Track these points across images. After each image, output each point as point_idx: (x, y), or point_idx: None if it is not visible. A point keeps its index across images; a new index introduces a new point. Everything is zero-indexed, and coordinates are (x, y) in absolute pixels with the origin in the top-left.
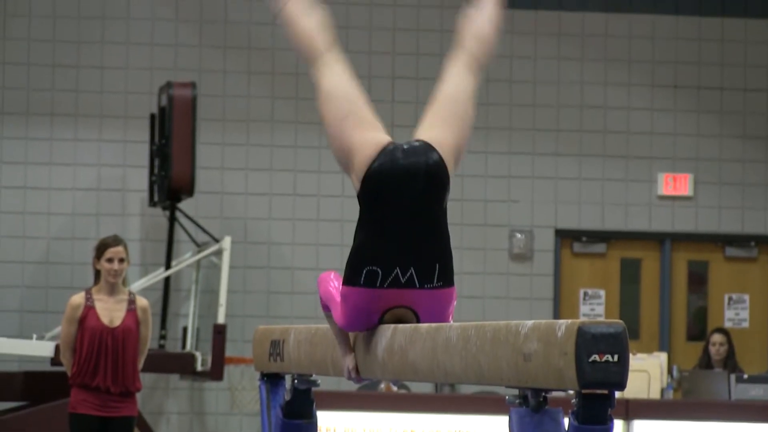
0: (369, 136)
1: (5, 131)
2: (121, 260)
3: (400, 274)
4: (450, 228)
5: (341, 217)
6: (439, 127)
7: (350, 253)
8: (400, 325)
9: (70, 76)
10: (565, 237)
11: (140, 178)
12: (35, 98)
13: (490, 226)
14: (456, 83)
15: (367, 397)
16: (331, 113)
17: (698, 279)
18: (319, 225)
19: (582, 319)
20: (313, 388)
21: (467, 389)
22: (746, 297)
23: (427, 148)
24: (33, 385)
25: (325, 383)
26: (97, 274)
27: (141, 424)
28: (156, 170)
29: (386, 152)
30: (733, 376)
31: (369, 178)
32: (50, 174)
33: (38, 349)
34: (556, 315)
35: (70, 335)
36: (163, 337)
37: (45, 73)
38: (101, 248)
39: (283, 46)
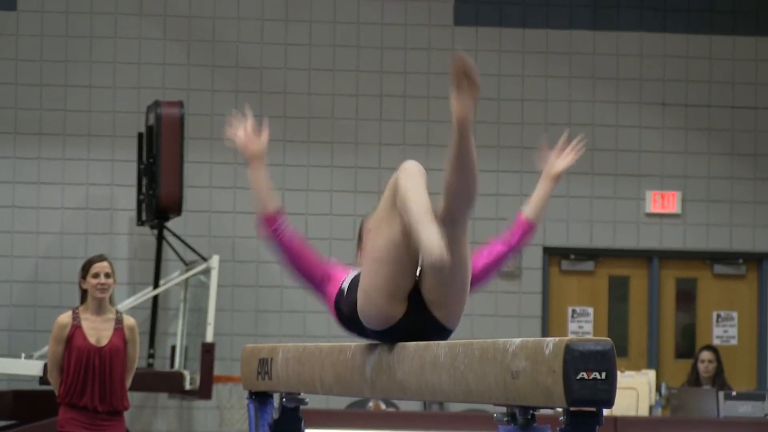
0: (387, 309)
1: None
2: (107, 275)
3: None
4: None
5: (330, 235)
6: (453, 303)
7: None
8: (388, 344)
9: (58, 95)
10: (553, 255)
11: (128, 197)
12: (23, 117)
13: (478, 244)
14: (460, 251)
15: (355, 415)
16: (378, 273)
17: (686, 296)
18: None
19: (570, 336)
20: (302, 407)
21: (456, 407)
22: (734, 314)
23: (439, 325)
24: (22, 404)
25: (313, 402)
26: (84, 294)
27: None
28: (144, 189)
29: (401, 323)
30: (721, 394)
31: (381, 335)
32: (38, 193)
33: (27, 368)
34: (545, 333)
35: (58, 354)
36: (151, 355)
37: (33, 92)
38: (86, 266)
39: (272, 66)
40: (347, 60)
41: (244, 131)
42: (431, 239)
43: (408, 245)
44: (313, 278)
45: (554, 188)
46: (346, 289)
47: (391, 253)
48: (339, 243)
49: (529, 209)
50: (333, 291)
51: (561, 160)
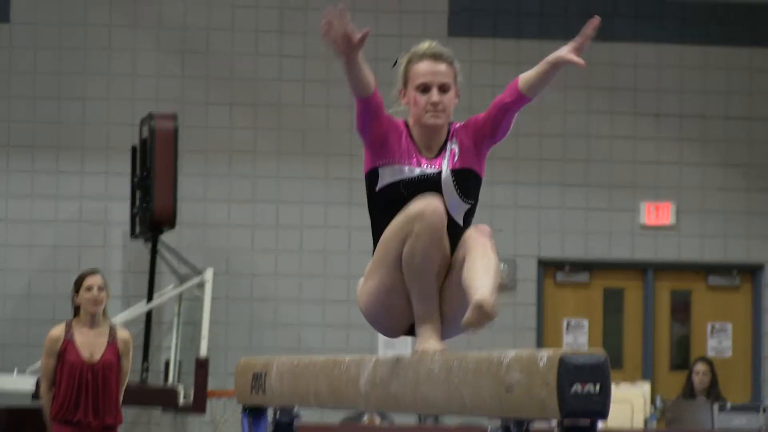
0: (388, 334)
1: None
2: (101, 288)
3: None
4: None
5: (324, 248)
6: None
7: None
8: (382, 357)
9: (52, 107)
10: (548, 266)
11: (122, 211)
12: (16, 130)
13: None
14: None
15: (350, 429)
16: (379, 303)
17: (681, 308)
18: (302, 256)
19: (565, 348)
20: (296, 421)
21: (450, 420)
22: (729, 326)
23: None
24: (14, 420)
25: (307, 416)
26: (77, 308)
27: None
28: (138, 202)
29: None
30: (716, 406)
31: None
32: (32, 206)
33: (19, 383)
34: (540, 345)
35: (50, 368)
36: (145, 370)
37: (26, 104)
38: (79, 281)
39: (266, 77)
40: (342, 71)
41: (338, 29)
42: (427, 344)
43: (408, 294)
44: (374, 142)
45: (553, 74)
46: (376, 189)
47: (389, 301)
48: (333, 256)
49: (523, 81)
50: (368, 166)
51: (570, 51)
